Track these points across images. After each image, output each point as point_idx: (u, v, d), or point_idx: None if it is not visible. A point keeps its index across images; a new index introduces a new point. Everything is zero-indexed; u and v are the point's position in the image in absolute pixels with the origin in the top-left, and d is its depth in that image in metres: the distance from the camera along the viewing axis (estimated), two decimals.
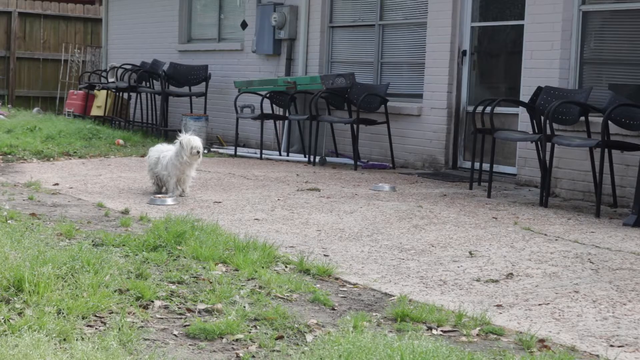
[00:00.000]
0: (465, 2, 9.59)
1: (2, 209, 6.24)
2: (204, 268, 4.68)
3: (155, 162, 7.54)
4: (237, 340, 3.56)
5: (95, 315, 3.75)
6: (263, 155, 11.06)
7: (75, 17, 18.57)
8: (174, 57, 13.85)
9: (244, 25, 12.65)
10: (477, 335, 3.77)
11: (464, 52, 9.63)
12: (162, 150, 7.60)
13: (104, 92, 14.60)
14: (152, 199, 7.16)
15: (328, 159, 10.54)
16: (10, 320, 3.55)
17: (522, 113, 8.64)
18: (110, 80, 14.77)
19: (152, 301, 4.02)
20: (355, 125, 10.01)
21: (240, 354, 3.39)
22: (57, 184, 7.96)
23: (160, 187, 7.56)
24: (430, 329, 3.85)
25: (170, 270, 4.59)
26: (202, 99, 12.80)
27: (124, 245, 5.11)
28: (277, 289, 4.33)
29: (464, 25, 9.62)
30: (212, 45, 13.47)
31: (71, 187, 7.83)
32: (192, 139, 7.37)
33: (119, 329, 3.51)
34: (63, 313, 3.68)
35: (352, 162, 10.13)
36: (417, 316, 3.95)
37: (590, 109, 7.62)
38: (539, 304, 4.27)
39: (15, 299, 3.82)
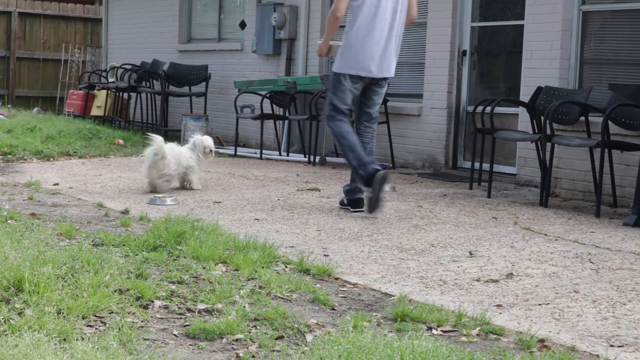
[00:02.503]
0: (465, 2, 9.59)
1: (2, 209, 6.24)
2: (204, 268, 4.67)
3: (177, 161, 7.62)
4: (237, 340, 3.56)
5: (95, 315, 3.75)
6: (263, 155, 11.06)
7: (75, 17, 18.57)
8: (174, 57, 13.85)
9: (242, 25, 12.65)
10: (477, 335, 3.77)
11: (464, 52, 9.63)
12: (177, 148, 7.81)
13: (104, 92, 14.60)
14: (152, 199, 7.17)
15: (328, 159, 10.54)
16: (10, 320, 3.55)
17: (522, 113, 8.64)
18: (110, 80, 14.77)
19: (152, 301, 4.02)
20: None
21: (240, 354, 3.39)
22: (57, 184, 7.96)
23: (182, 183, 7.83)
24: (430, 329, 3.85)
25: (170, 270, 4.58)
26: (202, 99, 12.80)
27: (124, 245, 5.10)
28: (277, 289, 4.33)
29: (464, 25, 9.62)
30: (212, 45, 13.47)
31: (71, 187, 7.83)
32: (204, 139, 7.80)
33: (119, 329, 3.51)
34: (63, 313, 3.68)
35: None
36: (417, 316, 3.94)
37: (590, 109, 7.62)
38: (539, 304, 4.27)
39: (15, 299, 3.81)
